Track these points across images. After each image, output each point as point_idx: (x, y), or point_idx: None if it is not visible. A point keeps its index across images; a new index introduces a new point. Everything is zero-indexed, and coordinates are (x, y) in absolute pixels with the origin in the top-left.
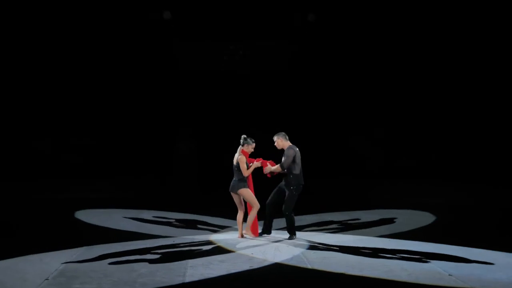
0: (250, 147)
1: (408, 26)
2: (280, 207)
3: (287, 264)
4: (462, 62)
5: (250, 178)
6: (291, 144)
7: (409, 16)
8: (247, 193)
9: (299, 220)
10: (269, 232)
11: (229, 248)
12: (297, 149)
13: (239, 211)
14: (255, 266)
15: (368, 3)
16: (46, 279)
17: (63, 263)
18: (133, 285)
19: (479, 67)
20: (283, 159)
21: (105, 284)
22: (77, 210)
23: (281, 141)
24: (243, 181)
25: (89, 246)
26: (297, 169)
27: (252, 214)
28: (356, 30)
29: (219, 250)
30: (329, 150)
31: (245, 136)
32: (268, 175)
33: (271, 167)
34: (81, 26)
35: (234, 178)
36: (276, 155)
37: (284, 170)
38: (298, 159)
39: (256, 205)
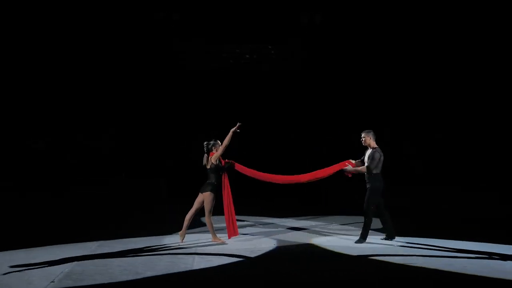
0: (219, 148)
1: (417, 29)
2: (385, 208)
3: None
4: (476, 63)
5: (227, 183)
6: (377, 146)
7: (416, 20)
8: (210, 199)
9: (303, 223)
10: (392, 237)
11: (231, 248)
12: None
13: (192, 209)
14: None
15: (374, 6)
16: (52, 282)
17: (71, 263)
18: None
19: (490, 70)
20: (368, 161)
21: None
22: None
23: (369, 139)
24: (211, 185)
25: (102, 242)
26: (378, 170)
27: (208, 222)
28: (366, 33)
29: (225, 250)
30: (335, 151)
31: (206, 142)
32: (349, 175)
33: (352, 167)
34: (85, 27)
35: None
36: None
37: (371, 172)
38: (381, 162)
39: (209, 213)
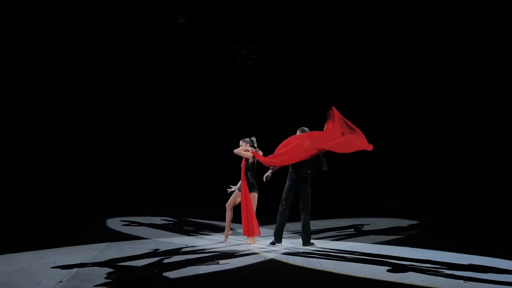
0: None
1: (424, 31)
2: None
3: (300, 266)
4: (481, 66)
5: (243, 176)
6: None
7: (422, 22)
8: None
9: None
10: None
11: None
12: None
13: None
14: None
15: (380, 9)
16: (60, 282)
17: (79, 264)
18: None
19: (496, 72)
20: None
21: None
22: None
23: None
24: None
25: (110, 243)
26: None
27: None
28: (373, 36)
29: (232, 253)
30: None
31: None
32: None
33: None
34: (89, 29)
35: None
36: None
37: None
38: None
39: (230, 207)
